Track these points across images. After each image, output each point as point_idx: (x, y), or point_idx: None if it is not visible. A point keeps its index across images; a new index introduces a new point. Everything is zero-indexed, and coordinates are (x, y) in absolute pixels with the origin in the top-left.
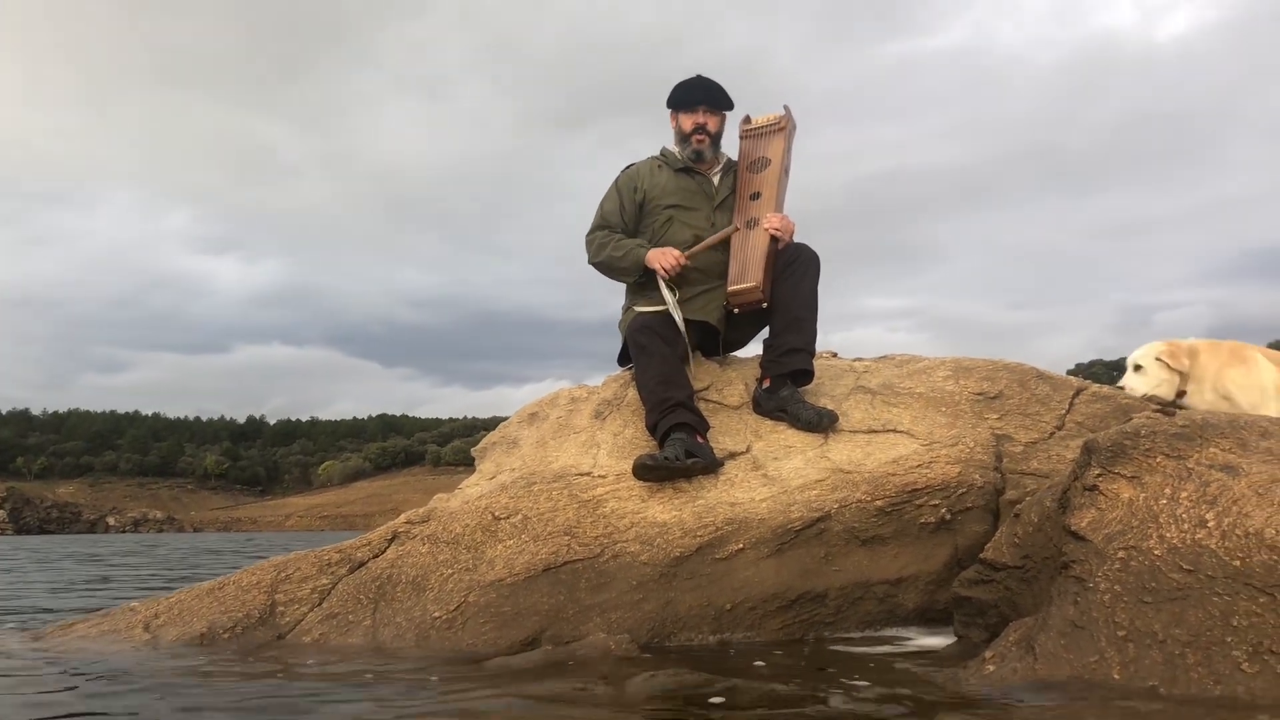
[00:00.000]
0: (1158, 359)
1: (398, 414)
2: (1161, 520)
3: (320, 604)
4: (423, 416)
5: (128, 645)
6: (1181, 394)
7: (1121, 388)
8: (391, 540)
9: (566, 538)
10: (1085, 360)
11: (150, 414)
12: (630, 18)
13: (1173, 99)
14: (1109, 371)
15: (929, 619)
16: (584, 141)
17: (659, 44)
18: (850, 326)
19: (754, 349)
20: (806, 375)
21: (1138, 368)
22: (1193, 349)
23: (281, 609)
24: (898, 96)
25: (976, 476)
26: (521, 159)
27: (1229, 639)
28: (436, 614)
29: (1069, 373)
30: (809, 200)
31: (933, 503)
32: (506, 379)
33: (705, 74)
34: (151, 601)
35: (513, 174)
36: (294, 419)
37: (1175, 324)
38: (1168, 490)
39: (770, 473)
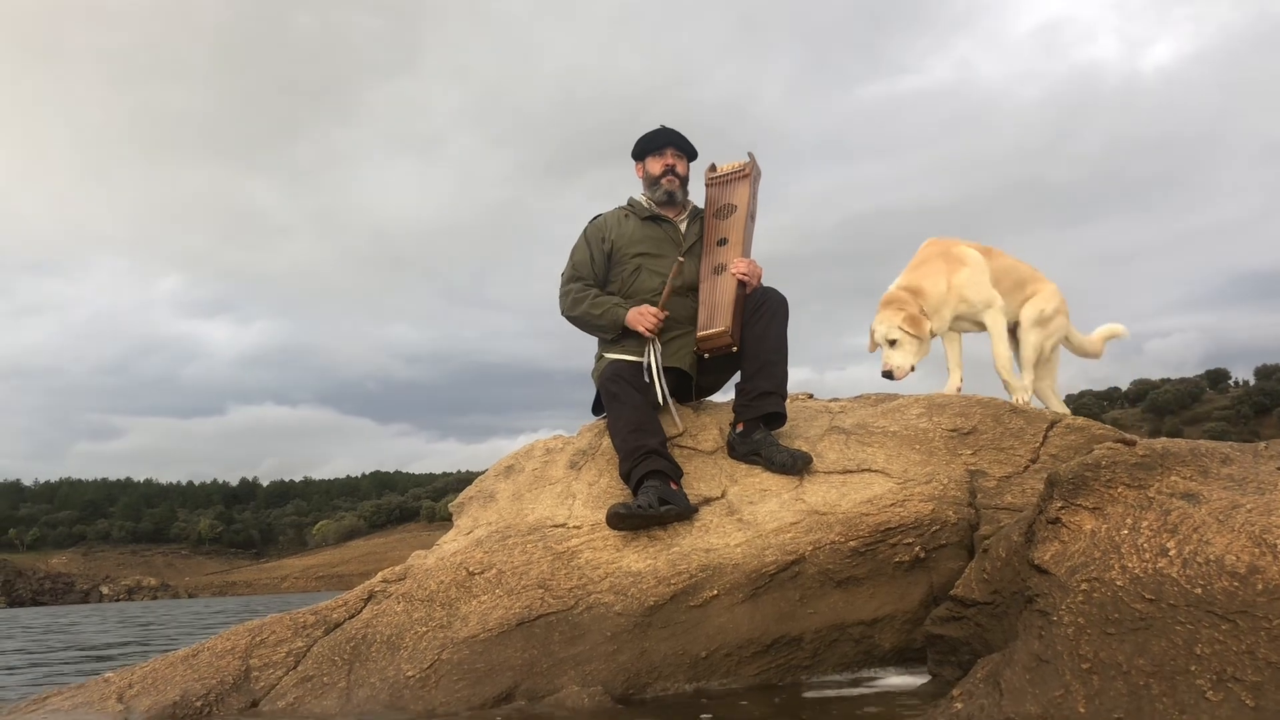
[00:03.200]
0: (902, 329)
1: (391, 471)
2: (1123, 550)
3: (295, 667)
4: (418, 472)
5: (100, 718)
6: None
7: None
8: (368, 600)
9: (540, 590)
10: (1075, 391)
11: (142, 480)
12: (619, 68)
13: (1158, 128)
14: (1099, 402)
15: (906, 658)
16: (574, 192)
17: (648, 93)
18: (844, 365)
19: (727, 394)
20: (779, 418)
21: (893, 342)
22: (916, 291)
23: (256, 674)
24: (884, 136)
25: (950, 513)
26: (512, 211)
27: (1193, 668)
28: (410, 673)
29: None
30: (801, 242)
31: (906, 541)
32: (501, 431)
33: (686, 123)
34: (126, 671)
35: (503, 227)
36: (287, 479)
37: (1166, 351)
38: (1129, 520)
39: (745, 517)
